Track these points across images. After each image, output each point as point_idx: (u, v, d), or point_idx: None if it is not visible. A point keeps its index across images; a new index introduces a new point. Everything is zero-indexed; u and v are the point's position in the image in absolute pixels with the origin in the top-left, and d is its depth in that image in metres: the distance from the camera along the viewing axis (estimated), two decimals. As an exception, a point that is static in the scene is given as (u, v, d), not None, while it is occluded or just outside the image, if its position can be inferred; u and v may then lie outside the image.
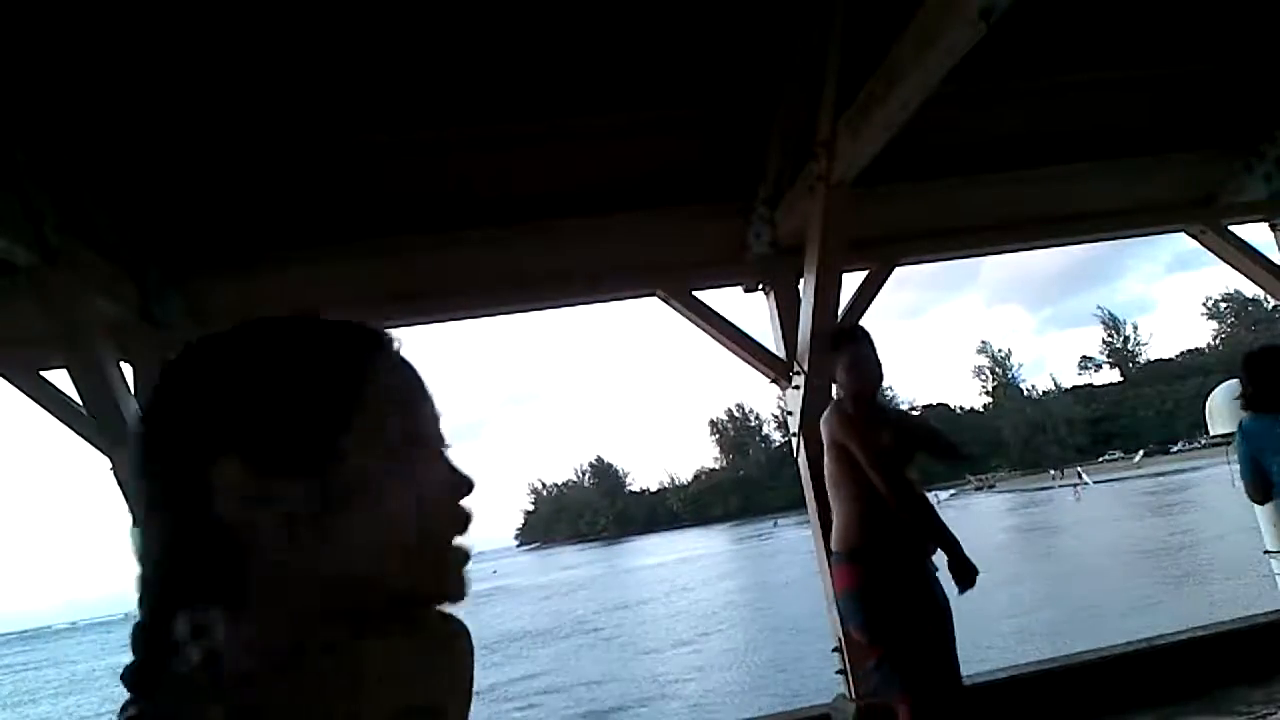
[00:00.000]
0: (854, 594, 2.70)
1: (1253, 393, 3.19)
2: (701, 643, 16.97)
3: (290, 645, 0.53)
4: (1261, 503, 3.41)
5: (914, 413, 3.45)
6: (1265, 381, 3.15)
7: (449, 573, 0.59)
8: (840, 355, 2.93)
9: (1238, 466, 3.32)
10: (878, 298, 4.46)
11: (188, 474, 0.53)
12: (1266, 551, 4.55)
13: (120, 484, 3.64)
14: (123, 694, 0.54)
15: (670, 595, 26.03)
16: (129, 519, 3.69)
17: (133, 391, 3.75)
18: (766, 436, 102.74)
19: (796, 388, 4.22)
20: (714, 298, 4.55)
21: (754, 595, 24.12)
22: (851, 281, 4.32)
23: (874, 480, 2.70)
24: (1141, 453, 67.16)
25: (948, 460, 2.98)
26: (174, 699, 0.52)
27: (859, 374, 2.88)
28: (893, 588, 2.64)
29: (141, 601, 0.55)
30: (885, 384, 3.11)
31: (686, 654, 16.16)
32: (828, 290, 3.95)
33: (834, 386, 3.09)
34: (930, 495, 2.89)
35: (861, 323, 4.21)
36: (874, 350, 2.93)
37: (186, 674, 0.52)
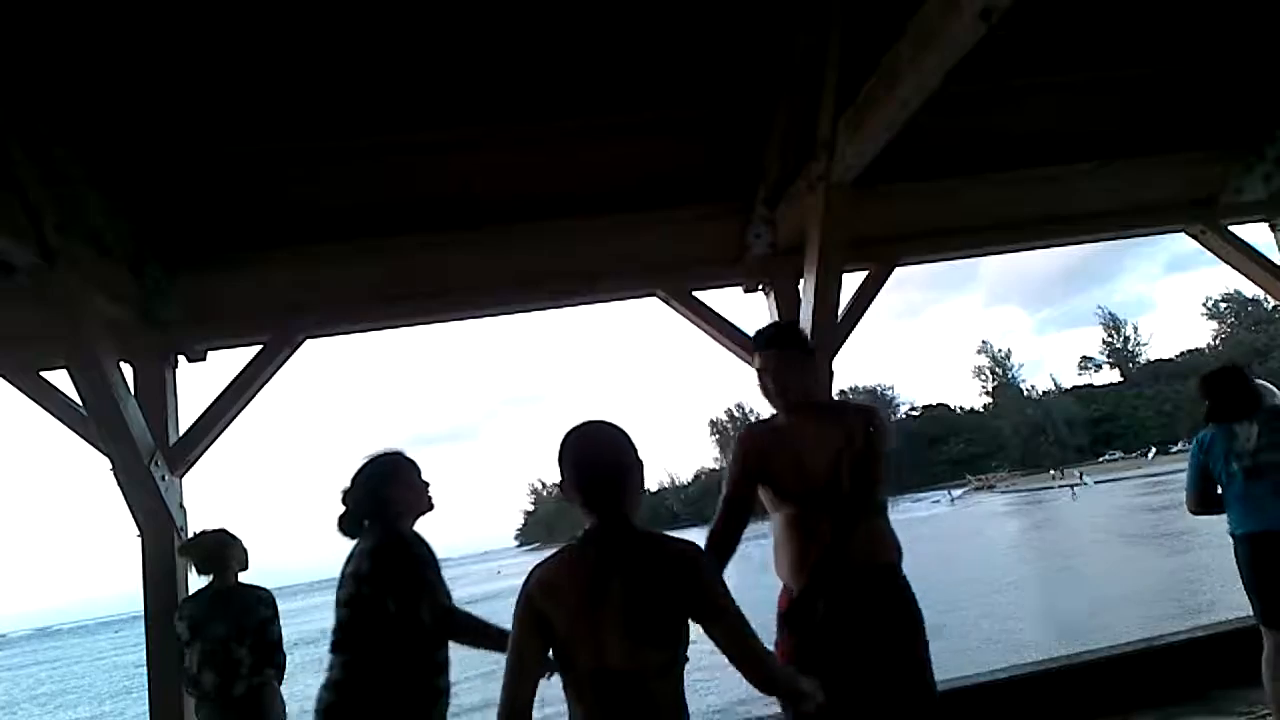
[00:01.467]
0: (778, 614, 2.57)
1: (1210, 406, 3.39)
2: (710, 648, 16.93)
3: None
4: (1200, 513, 3.53)
5: (889, 423, 2.82)
6: (1222, 394, 3.37)
7: None
8: (756, 362, 2.56)
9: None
10: (877, 298, 4.46)
11: (639, 469, 1.79)
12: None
13: (120, 484, 3.65)
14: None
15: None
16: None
17: (132, 391, 3.75)
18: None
19: (796, 388, 4.21)
20: (714, 298, 4.55)
21: (757, 596, 24.06)
22: (851, 281, 4.32)
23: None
24: (1154, 450, 66.86)
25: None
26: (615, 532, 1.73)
27: (763, 384, 2.50)
28: (796, 616, 2.48)
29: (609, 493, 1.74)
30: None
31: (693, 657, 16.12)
32: (828, 290, 3.95)
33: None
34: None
35: (789, 322, 3.99)
36: (792, 354, 2.50)
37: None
